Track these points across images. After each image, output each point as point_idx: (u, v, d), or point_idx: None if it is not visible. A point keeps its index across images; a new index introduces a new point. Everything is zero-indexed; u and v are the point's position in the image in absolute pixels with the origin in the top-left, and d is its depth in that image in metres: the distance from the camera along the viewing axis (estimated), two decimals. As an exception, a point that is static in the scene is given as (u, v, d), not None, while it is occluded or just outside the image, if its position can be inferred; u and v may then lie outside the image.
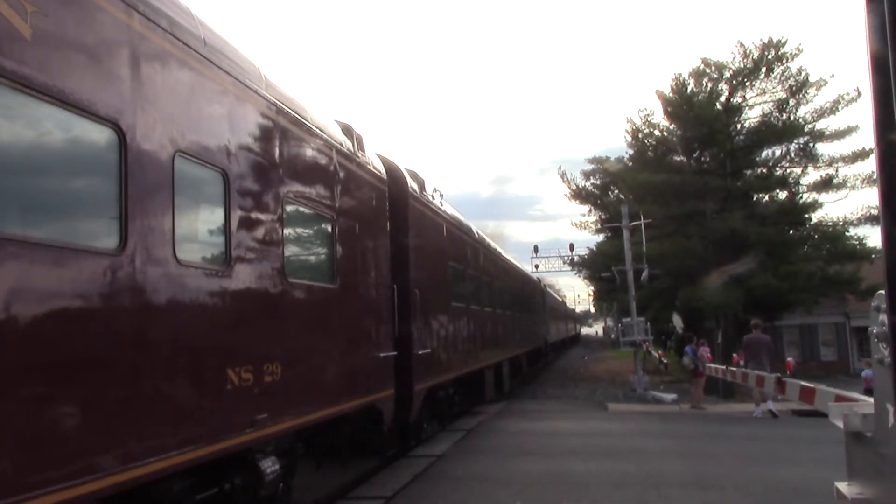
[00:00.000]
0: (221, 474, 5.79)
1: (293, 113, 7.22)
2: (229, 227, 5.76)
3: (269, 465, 6.29)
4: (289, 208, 6.95)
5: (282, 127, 6.88)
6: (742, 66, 35.70)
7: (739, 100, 36.33)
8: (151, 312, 4.68)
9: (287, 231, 6.85)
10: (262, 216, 6.33)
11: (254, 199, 6.23)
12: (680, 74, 36.78)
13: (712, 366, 21.30)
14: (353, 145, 9.13)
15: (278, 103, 6.86)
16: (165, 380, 4.80)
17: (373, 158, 10.03)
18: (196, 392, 5.18)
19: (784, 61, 35.09)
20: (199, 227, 5.70)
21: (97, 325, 4.21)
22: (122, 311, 4.40)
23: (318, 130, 7.89)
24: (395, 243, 10.56)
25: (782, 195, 36.33)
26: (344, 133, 8.96)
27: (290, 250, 7.00)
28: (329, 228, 8.11)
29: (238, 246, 5.85)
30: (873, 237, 34.99)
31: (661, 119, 37.58)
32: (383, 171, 10.40)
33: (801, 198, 35.78)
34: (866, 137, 36.05)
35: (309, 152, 7.62)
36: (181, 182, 5.08)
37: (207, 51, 5.63)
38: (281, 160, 6.80)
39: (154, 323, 4.70)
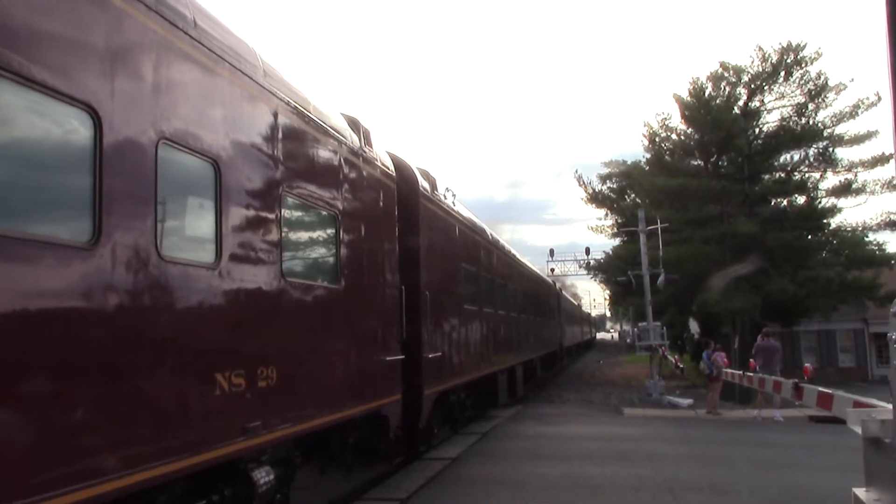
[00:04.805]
0: (211, 485, 5.50)
1: (293, 103, 6.88)
2: (220, 222, 5.41)
3: (263, 476, 5.95)
4: (288, 203, 6.61)
5: (281, 117, 6.54)
6: (760, 69, 35.54)
7: (757, 104, 36.17)
8: (129, 311, 4.35)
9: (285, 227, 6.48)
10: (257, 211, 5.98)
11: (249, 193, 5.87)
12: (698, 78, 36.78)
13: (728, 371, 21.19)
14: (360, 140, 8.80)
15: (277, 92, 6.53)
16: (145, 385, 4.47)
17: (381, 155, 9.74)
18: (180, 398, 4.85)
19: (803, 65, 34.90)
20: (187, 220, 5.37)
21: (66, 325, 3.91)
22: (95, 310, 4.08)
23: (321, 122, 7.53)
24: (404, 243, 10.31)
25: (800, 200, 36.10)
26: (350, 127, 8.64)
27: (289, 248, 6.64)
28: (332, 226, 7.76)
29: (230, 242, 5.51)
30: (893, 243, 34.86)
31: (678, 123, 37.55)
32: (392, 168, 10.12)
33: (820, 203, 35.54)
34: (886, 142, 35.82)
35: (311, 145, 7.26)
36: (166, 172, 4.75)
37: (198, 33, 5.30)
38: (279, 152, 6.45)
39: (132, 323, 4.38)
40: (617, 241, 44.85)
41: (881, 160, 33.73)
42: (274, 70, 6.64)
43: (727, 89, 36.27)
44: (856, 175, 34.64)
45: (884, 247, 35.22)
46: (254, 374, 5.74)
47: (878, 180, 34.04)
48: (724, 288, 30.67)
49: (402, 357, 9.83)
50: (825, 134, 35.06)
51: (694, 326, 32.50)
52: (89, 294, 4.07)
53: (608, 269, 45.73)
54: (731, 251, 32.69)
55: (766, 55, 35.30)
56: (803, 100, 35.42)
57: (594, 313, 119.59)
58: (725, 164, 36.76)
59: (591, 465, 11.68)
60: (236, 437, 5.45)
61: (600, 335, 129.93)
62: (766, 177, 36.40)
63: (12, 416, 3.58)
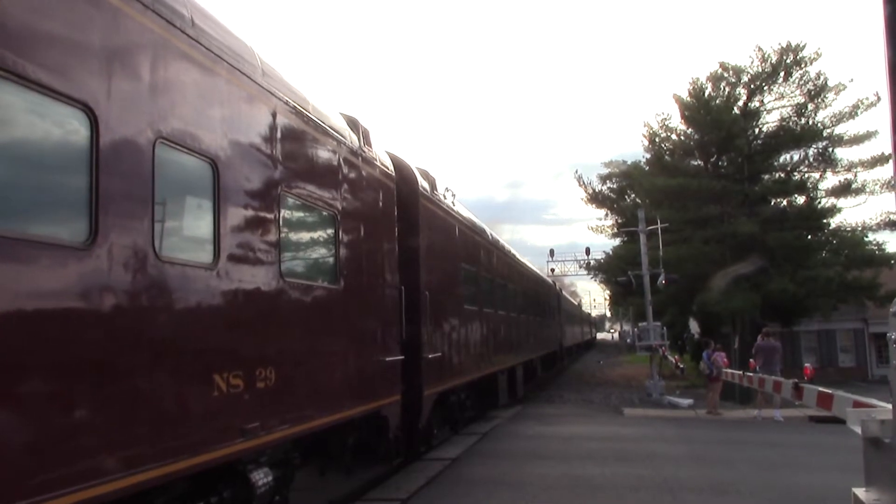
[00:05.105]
0: (209, 486, 5.47)
1: (292, 102, 6.86)
2: (218, 222, 5.38)
3: (261, 477, 5.91)
4: (286, 203, 6.57)
5: (280, 117, 6.52)
6: (760, 70, 35.61)
7: (757, 104, 36.23)
8: (127, 312, 4.31)
9: (284, 227, 6.45)
10: (256, 211, 5.95)
11: (247, 193, 5.84)
12: (697, 79, 36.88)
13: (728, 371, 21.20)
14: (360, 140, 8.77)
15: (276, 92, 6.50)
16: (143, 386, 4.44)
17: (381, 155, 9.71)
18: (178, 399, 4.81)
19: (803, 65, 34.96)
20: (185, 220, 5.34)
21: (63, 326, 3.88)
22: (92, 310, 4.06)
23: (320, 122, 7.50)
24: (404, 243, 10.27)
25: (800, 200, 36.14)
26: (350, 127, 8.61)
27: (288, 248, 6.61)
28: (331, 226, 7.73)
29: (228, 242, 5.47)
30: (892, 242, 34.93)
31: (678, 123, 37.63)
32: (392, 168, 10.10)
33: (820, 203, 35.58)
34: (885, 142, 35.81)
35: (310, 145, 7.24)
36: (163, 171, 4.71)
37: (196, 32, 5.25)
38: (278, 152, 6.42)
39: (130, 323, 4.35)
40: (617, 242, 44.92)
41: (881, 160, 33.74)
42: (273, 70, 6.61)
43: (727, 89, 36.34)
44: (855, 175, 34.73)
45: (883, 247, 35.34)
46: (252, 374, 5.70)
47: (878, 180, 34.08)
48: (724, 288, 30.68)
49: (402, 357, 9.78)
50: (825, 134, 35.11)
51: (694, 326, 32.50)
52: (86, 294, 4.04)
53: (608, 269, 45.75)
54: (731, 251, 32.70)
55: (766, 55, 35.37)
56: (803, 100, 35.49)
57: (594, 313, 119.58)
58: (725, 164, 36.80)
59: (592, 465, 11.67)
60: (235, 439, 5.41)
61: (600, 335, 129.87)
62: (766, 177, 36.45)
63: (10, 416, 3.56)
